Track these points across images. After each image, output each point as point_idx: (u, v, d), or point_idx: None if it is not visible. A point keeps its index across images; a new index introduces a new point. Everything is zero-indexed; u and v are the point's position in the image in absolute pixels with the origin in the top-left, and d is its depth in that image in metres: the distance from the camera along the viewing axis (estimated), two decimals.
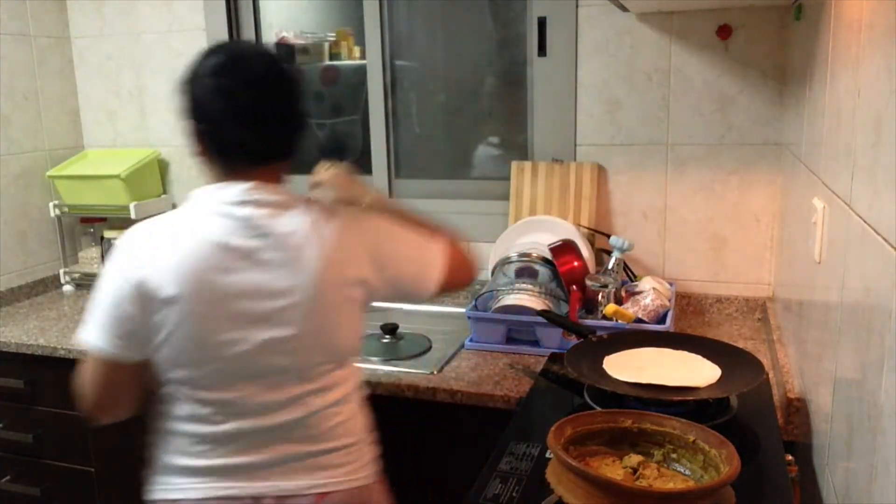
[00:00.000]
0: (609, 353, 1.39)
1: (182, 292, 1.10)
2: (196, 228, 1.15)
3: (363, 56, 2.27)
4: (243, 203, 1.16)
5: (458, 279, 1.34)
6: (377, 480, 1.29)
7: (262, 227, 1.15)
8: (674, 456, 1.03)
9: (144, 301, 1.11)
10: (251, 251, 1.13)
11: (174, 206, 2.51)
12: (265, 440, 1.16)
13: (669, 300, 1.79)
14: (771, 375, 1.53)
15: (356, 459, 1.25)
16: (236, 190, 1.17)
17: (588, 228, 2.01)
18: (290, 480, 1.17)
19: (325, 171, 1.46)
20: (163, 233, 1.15)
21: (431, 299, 1.35)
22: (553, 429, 0.98)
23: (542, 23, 2.02)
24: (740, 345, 1.53)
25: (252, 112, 1.16)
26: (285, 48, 2.42)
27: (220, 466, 1.16)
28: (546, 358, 1.64)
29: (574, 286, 1.77)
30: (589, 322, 1.68)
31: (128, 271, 1.13)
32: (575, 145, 2.05)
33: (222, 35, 2.32)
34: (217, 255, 1.12)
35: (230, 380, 1.14)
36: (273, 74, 1.18)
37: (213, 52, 1.18)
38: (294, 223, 1.18)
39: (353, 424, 1.25)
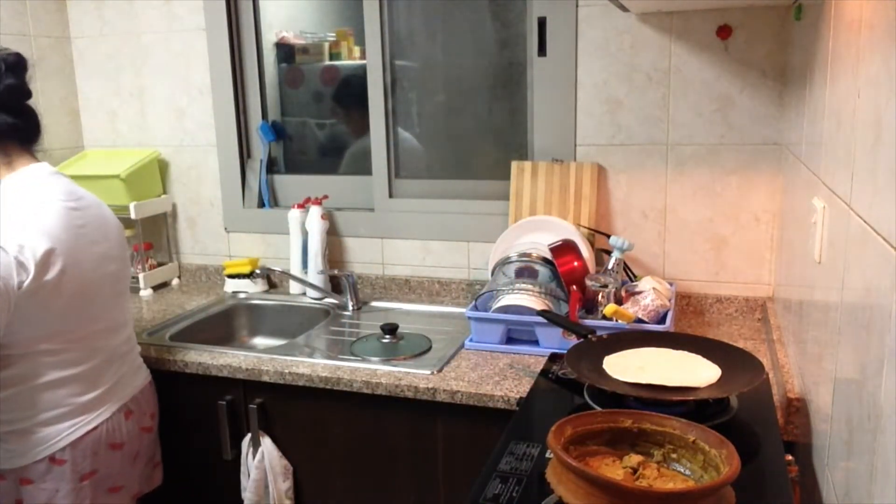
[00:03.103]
0: (609, 353, 1.39)
1: None
2: None
3: (363, 56, 2.27)
4: None
5: None
6: None
7: None
8: (674, 456, 1.03)
9: None
10: None
11: (174, 206, 2.51)
12: None
13: (669, 300, 1.79)
14: (771, 375, 1.53)
15: None
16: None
17: (588, 228, 2.01)
18: None
19: None
20: None
21: None
22: (553, 429, 0.98)
23: (542, 23, 2.02)
24: (740, 345, 1.53)
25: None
26: (285, 48, 2.42)
27: None
28: (546, 358, 1.64)
29: (574, 286, 1.77)
30: (589, 322, 1.68)
31: None
32: (575, 145, 2.05)
33: (222, 35, 2.32)
34: None
35: None
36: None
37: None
38: None
39: None
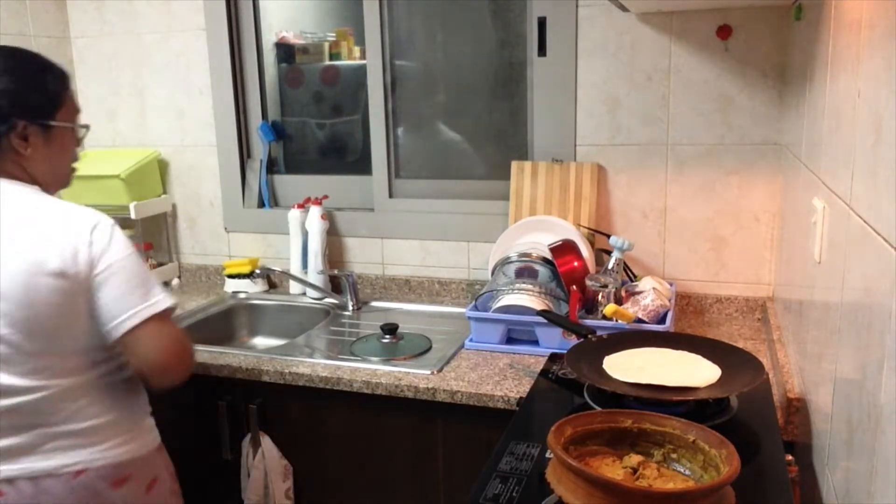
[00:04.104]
0: (609, 353, 1.39)
1: None
2: None
3: (363, 56, 2.27)
4: None
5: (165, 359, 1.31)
6: (150, 451, 1.39)
7: None
8: (674, 456, 1.03)
9: None
10: None
11: (174, 206, 2.51)
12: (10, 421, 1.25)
13: (669, 300, 1.79)
14: (771, 375, 1.53)
15: (113, 437, 1.32)
16: None
17: (588, 228, 2.01)
18: (44, 461, 1.26)
19: None
20: None
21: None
22: (553, 429, 0.98)
23: (542, 23, 2.02)
24: (740, 345, 1.53)
25: None
26: (285, 48, 2.42)
27: None
28: (546, 358, 1.64)
29: (574, 286, 1.77)
30: (589, 322, 1.68)
31: None
32: (575, 145, 2.05)
33: (222, 35, 2.32)
34: None
35: None
36: None
37: None
38: None
39: (98, 408, 1.31)
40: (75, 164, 1.43)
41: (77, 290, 1.24)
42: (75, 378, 1.28)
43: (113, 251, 1.26)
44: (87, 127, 1.44)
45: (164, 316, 1.29)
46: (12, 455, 1.25)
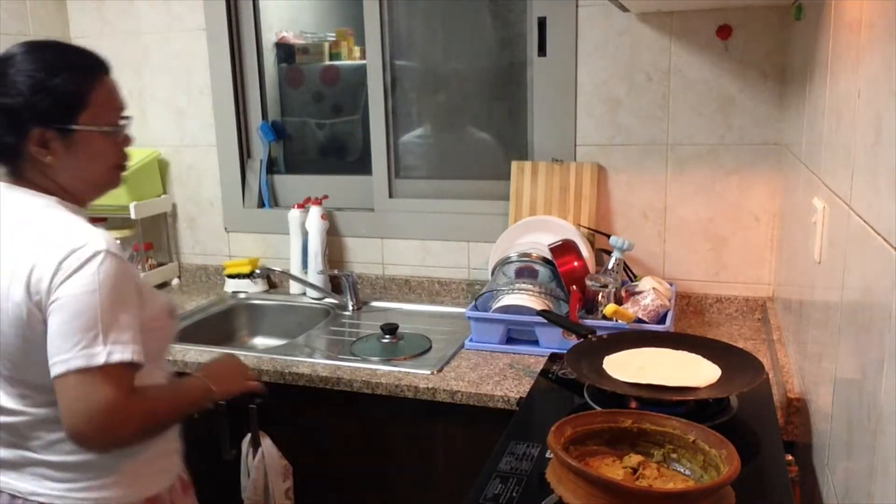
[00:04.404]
0: (609, 353, 1.39)
1: None
2: None
3: (363, 56, 2.27)
4: None
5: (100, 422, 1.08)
6: (138, 501, 1.22)
7: None
8: (674, 456, 1.03)
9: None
10: None
11: (174, 206, 2.51)
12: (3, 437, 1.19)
13: (669, 300, 1.79)
14: (771, 375, 1.53)
15: (86, 479, 1.18)
16: None
17: (588, 228, 2.01)
18: (22, 482, 1.19)
19: None
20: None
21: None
22: (553, 429, 0.98)
23: (542, 23, 2.02)
24: (740, 345, 1.53)
25: None
26: (285, 48, 2.42)
27: None
28: (546, 358, 1.64)
29: (574, 286, 1.77)
30: (589, 322, 1.68)
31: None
32: (575, 145, 2.05)
33: (222, 35, 2.32)
34: None
35: None
36: None
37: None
38: None
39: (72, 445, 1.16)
40: (123, 164, 1.27)
41: (34, 320, 1.10)
42: (51, 409, 1.13)
43: (71, 283, 1.08)
44: (118, 126, 1.24)
45: (99, 373, 1.06)
46: (1, 466, 1.20)
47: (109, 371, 1.07)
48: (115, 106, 1.24)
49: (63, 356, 1.07)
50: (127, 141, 1.27)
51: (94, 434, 1.08)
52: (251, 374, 1.45)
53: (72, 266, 1.09)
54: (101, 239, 1.13)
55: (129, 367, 1.10)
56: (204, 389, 1.27)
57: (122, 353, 1.08)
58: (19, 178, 1.20)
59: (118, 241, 1.23)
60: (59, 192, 1.20)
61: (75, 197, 1.22)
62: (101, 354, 1.07)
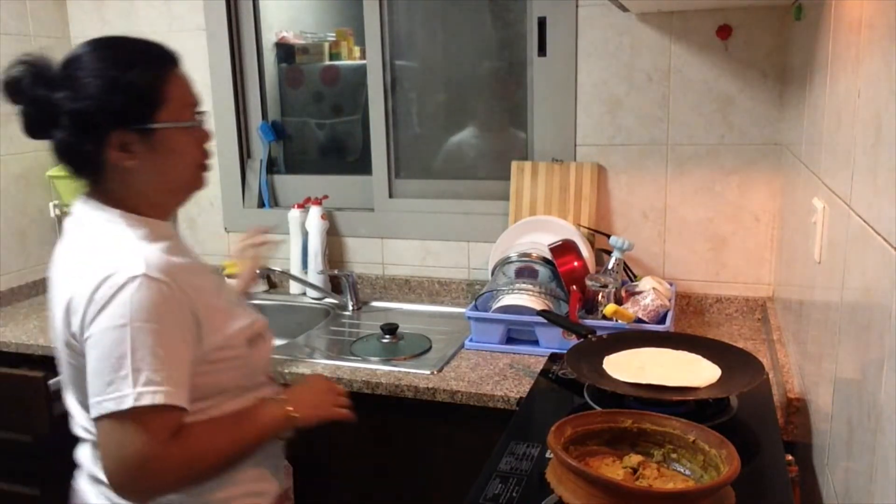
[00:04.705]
0: (609, 353, 1.39)
1: None
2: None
3: (363, 56, 2.27)
4: None
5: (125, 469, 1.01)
6: None
7: None
8: (674, 456, 1.03)
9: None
10: None
11: None
12: None
13: (669, 300, 1.79)
14: (771, 375, 1.53)
15: None
16: None
17: (588, 228, 2.01)
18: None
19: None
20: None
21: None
22: (553, 429, 0.98)
23: (542, 23, 2.02)
24: (740, 345, 1.53)
25: None
26: (285, 48, 2.42)
27: None
28: (546, 358, 1.64)
29: (574, 286, 1.77)
30: (589, 322, 1.68)
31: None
32: (575, 145, 2.05)
33: (222, 35, 2.32)
34: None
35: None
36: None
37: None
38: None
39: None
40: (205, 162, 1.17)
41: (76, 352, 1.05)
42: None
43: (102, 317, 1.00)
44: (196, 121, 1.14)
45: (130, 418, 0.98)
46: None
47: (140, 416, 0.98)
48: (190, 100, 1.13)
49: (96, 398, 1.00)
50: (206, 136, 1.17)
51: (129, 484, 1.01)
52: (341, 400, 1.28)
53: (104, 297, 1.00)
54: (138, 262, 1.02)
55: (166, 411, 1.00)
56: (283, 417, 1.16)
57: (152, 396, 0.98)
58: (98, 190, 1.11)
59: (184, 261, 1.10)
60: (142, 201, 1.11)
61: (158, 206, 1.14)
62: (129, 398, 0.98)
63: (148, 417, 0.99)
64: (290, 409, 1.17)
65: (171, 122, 1.09)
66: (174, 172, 1.13)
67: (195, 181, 1.17)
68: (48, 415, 1.99)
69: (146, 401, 0.98)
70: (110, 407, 0.98)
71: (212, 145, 1.19)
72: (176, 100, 1.10)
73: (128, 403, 0.98)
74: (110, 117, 1.05)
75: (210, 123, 1.17)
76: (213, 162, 2.41)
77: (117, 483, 1.01)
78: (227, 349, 1.12)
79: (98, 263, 1.03)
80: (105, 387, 0.99)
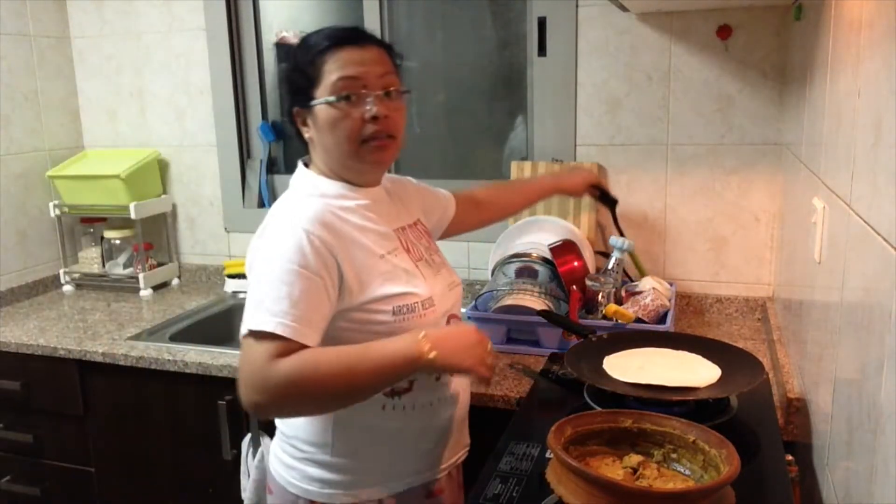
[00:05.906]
0: (609, 353, 1.39)
1: None
2: None
3: None
4: None
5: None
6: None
7: None
8: (674, 456, 1.02)
9: None
10: None
11: (174, 206, 2.51)
12: None
13: (669, 300, 1.79)
14: (771, 375, 1.53)
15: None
16: None
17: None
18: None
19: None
20: None
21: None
22: (553, 429, 0.98)
23: (542, 23, 2.02)
24: (740, 345, 1.53)
25: None
26: (285, 48, 2.42)
27: None
28: (546, 358, 1.64)
29: (574, 286, 1.77)
30: (589, 322, 1.68)
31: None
32: (575, 145, 2.05)
33: (222, 35, 2.32)
34: None
35: None
36: None
37: None
38: None
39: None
40: (356, 136, 1.20)
41: None
42: None
43: (256, 260, 1.17)
44: (342, 96, 1.18)
45: (251, 338, 1.09)
46: None
47: (256, 337, 1.08)
48: (339, 78, 1.18)
49: (244, 319, 1.12)
50: (357, 111, 1.19)
51: (243, 395, 1.09)
52: (490, 359, 1.16)
53: (263, 236, 1.18)
54: (302, 216, 1.16)
55: (276, 338, 1.07)
56: (415, 353, 1.08)
57: (266, 323, 1.08)
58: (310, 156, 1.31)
59: (352, 219, 1.22)
60: (326, 167, 1.26)
61: (341, 172, 1.26)
62: (252, 321, 1.09)
63: (260, 339, 1.08)
64: (428, 347, 1.08)
65: (323, 98, 1.19)
66: (330, 143, 1.22)
67: (354, 154, 1.22)
68: (48, 415, 1.99)
69: (258, 325, 1.08)
70: (245, 327, 1.10)
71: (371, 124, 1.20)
72: (329, 76, 1.19)
73: (249, 325, 1.09)
74: (288, 97, 1.26)
75: (365, 103, 1.19)
76: (214, 162, 2.42)
77: (241, 395, 1.10)
78: (370, 312, 1.18)
79: (274, 212, 1.22)
80: (249, 310, 1.11)
